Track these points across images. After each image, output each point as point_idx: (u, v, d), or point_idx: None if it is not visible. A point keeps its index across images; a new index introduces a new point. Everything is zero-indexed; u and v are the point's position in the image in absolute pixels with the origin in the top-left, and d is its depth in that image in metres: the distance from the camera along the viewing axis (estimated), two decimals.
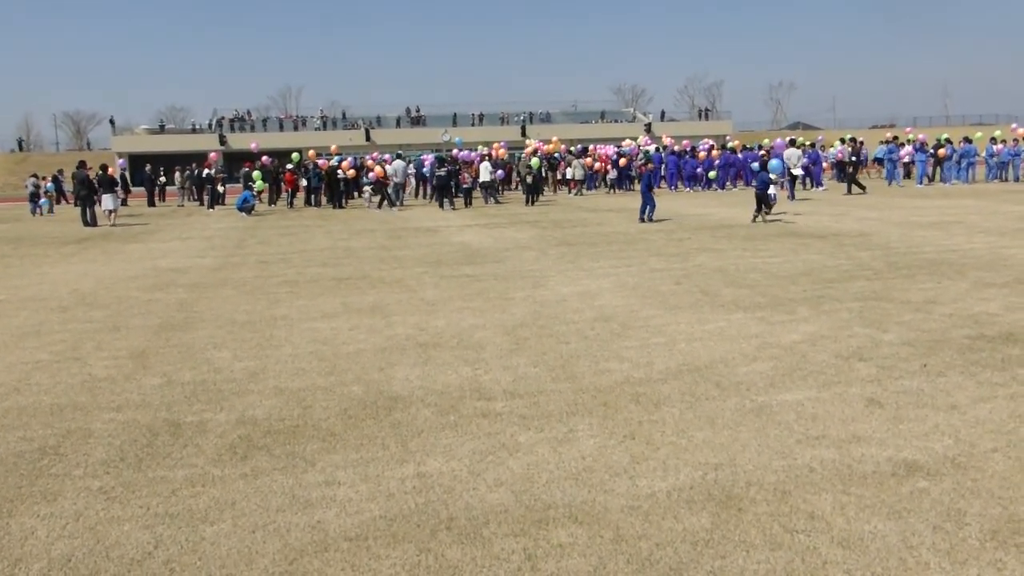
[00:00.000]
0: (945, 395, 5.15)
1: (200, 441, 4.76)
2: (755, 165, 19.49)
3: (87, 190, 22.85)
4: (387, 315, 8.37)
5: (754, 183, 17.88)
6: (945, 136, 32.36)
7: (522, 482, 4.03)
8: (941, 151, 30.20)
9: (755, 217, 17.23)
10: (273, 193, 30.92)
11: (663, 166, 33.02)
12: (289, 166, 30.37)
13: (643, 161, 22.87)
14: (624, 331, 7.25)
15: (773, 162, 17.58)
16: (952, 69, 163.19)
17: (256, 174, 28.11)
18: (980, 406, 4.92)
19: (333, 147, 34.76)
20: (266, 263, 12.99)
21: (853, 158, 26.92)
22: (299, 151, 32.55)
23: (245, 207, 25.45)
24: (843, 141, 29.60)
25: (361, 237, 16.93)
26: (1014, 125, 34.73)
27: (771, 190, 17.24)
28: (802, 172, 25.55)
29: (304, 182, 29.39)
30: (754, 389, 5.41)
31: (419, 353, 6.72)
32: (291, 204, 29.70)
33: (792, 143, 29.00)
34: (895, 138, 33.01)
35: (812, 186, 29.73)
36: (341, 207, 28.05)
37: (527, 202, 26.47)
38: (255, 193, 26.98)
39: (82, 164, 23.63)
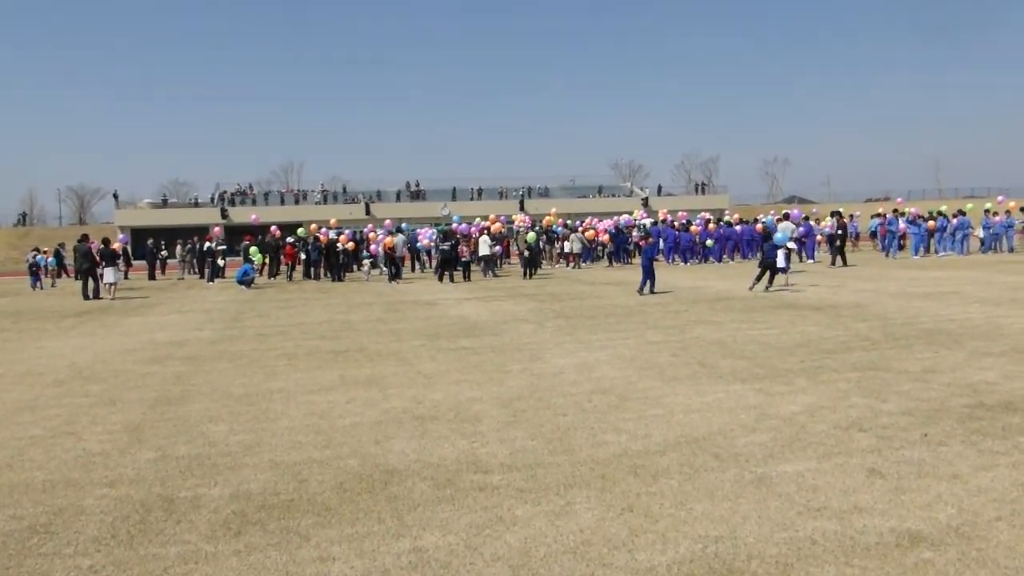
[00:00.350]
0: (947, 464, 5.11)
1: (194, 517, 4.69)
2: (770, 221, 19.66)
3: (89, 263, 23.00)
4: (384, 388, 8.33)
5: (758, 254, 18.16)
6: (938, 209, 32.90)
7: (519, 556, 3.96)
8: (931, 223, 30.65)
9: (753, 285, 17.53)
10: (273, 266, 31.18)
11: (661, 240, 33.33)
12: (290, 239, 30.69)
13: (643, 235, 23.08)
14: (622, 403, 7.22)
15: (777, 235, 17.91)
16: (943, 144, 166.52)
17: (253, 249, 28.34)
18: (982, 475, 4.87)
19: (332, 220, 35.18)
20: (264, 336, 12.99)
21: (839, 232, 27.26)
22: (301, 225, 33.05)
23: (245, 280, 25.54)
24: (833, 215, 30.04)
25: (359, 310, 16.96)
26: (1000, 198, 35.35)
27: (780, 260, 17.55)
28: (796, 245, 25.71)
29: (303, 255, 29.70)
30: (753, 460, 5.36)
31: (416, 426, 6.68)
32: (291, 277, 29.89)
33: (785, 217, 29.45)
34: (895, 210, 33.54)
35: (805, 258, 30.02)
36: (340, 280, 28.19)
37: (525, 275, 26.61)
38: (255, 266, 27.12)
39: (84, 237, 23.82)
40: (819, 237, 31.33)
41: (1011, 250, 30.98)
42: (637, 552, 3.95)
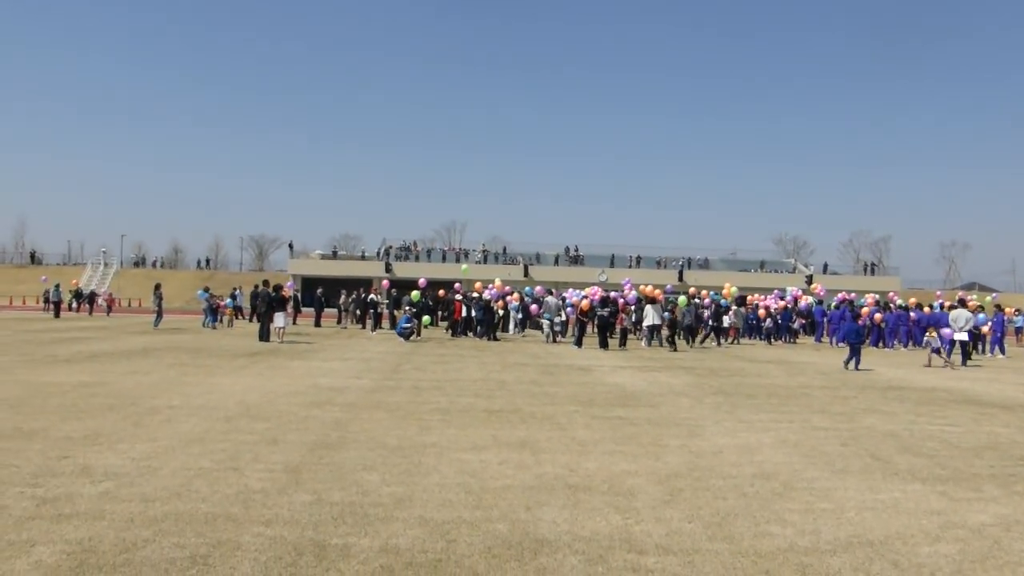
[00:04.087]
0: None
1: (343, 566, 4.68)
2: (981, 317, 20.28)
3: (267, 307, 24.28)
4: (536, 452, 8.19)
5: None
6: None
7: None
8: None
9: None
10: (435, 319, 32.74)
11: (826, 320, 31.92)
12: (458, 297, 31.72)
13: (855, 314, 22.18)
14: (786, 492, 6.75)
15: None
16: None
17: (415, 293, 29.30)
18: None
19: (497, 281, 35.85)
20: (419, 389, 13.20)
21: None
22: (460, 282, 34.45)
23: (404, 332, 26.24)
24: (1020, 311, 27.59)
25: (513, 370, 17.00)
26: None
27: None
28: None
29: (463, 312, 30.71)
30: (939, 575, 4.81)
31: (568, 495, 6.48)
32: (460, 333, 30.56)
33: (962, 303, 27.16)
34: None
35: (991, 352, 27.73)
36: (495, 339, 28.51)
37: (688, 342, 26.03)
38: (411, 319, 27.72)
39: (266, 283, 25.23)
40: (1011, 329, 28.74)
41: None
42: None
